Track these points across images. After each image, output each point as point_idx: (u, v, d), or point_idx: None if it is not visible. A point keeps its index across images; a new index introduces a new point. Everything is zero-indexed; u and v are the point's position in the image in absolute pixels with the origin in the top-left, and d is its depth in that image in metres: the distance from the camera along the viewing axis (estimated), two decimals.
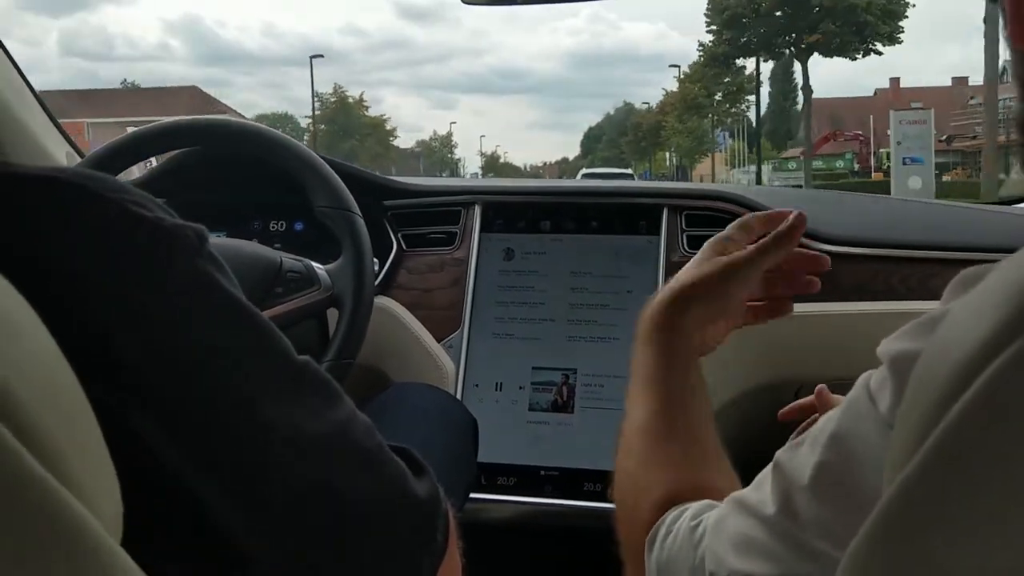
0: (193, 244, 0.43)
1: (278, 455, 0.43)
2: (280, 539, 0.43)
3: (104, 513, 0.33)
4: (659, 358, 0.70)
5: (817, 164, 31.61)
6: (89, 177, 0.42)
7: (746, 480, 0.70)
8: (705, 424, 0.66)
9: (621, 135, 65.76)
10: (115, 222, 0.41)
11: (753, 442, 0.81)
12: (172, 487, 0.40)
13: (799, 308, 1.21)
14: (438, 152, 74.27)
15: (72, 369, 0.35)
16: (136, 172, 1.35)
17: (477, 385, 1.28)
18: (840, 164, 33.84)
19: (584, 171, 32.79)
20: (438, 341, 1.29)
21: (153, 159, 1.28)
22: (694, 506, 0.58)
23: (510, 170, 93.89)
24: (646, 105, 63.93)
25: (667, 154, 53.32)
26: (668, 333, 0.72)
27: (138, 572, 0.34)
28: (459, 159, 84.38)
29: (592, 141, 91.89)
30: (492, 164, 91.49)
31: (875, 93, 47.37)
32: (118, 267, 0.40)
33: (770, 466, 0.49)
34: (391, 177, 1.43)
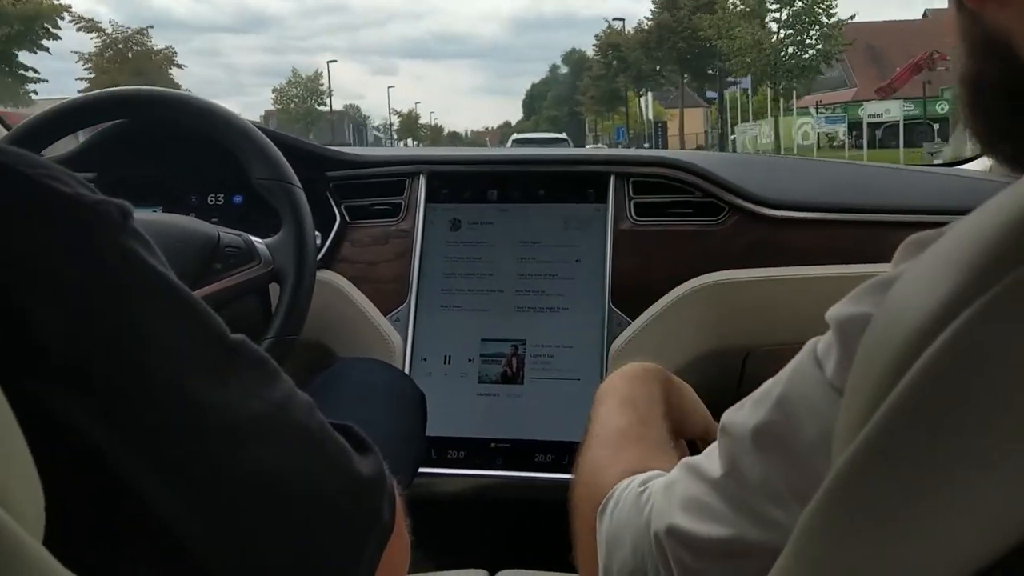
0: (116, 220, 0.41)
1: (214, 437, 0.41)
2: (219, 523, 0.41)
3: (24, 514, 0.32)
4: (642, 385, 0.74)
5: (906, 109, 20.78)
6: (3, 152, 0.40)
7: (693, 446, 0.71)
8: (669, 444, 0.69)
9: (581, 77, 52.65)
10: (32, 198, 0.39)
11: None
12: (104, 475, 0.39)
13: (748, 274, 1.22)
14: (298, 104, 46.19)
15: None
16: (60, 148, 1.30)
17: (425, 358, 1.27)
18: (941, 107, 22.55)
19: (515, 137, 27.50)
20: (384, 315, 1.27)
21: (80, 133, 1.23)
22: (642, 475, 0.58)
23: (433, 133, 79.96)
24: (619, 23, 43.32)
25: (640, 102, 38.08)
26: (652, 381, 0.76)
27: (63, 572, 0.32)
28: (390, 123, 69.93)
29: (536, 100, 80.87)
30: (409, 125, 73.09)
31: (925, 15, 35.22)
32: (36, 246, 0.38)
33: (718, 431, 0.49)
34: (333, 147, 1.40)
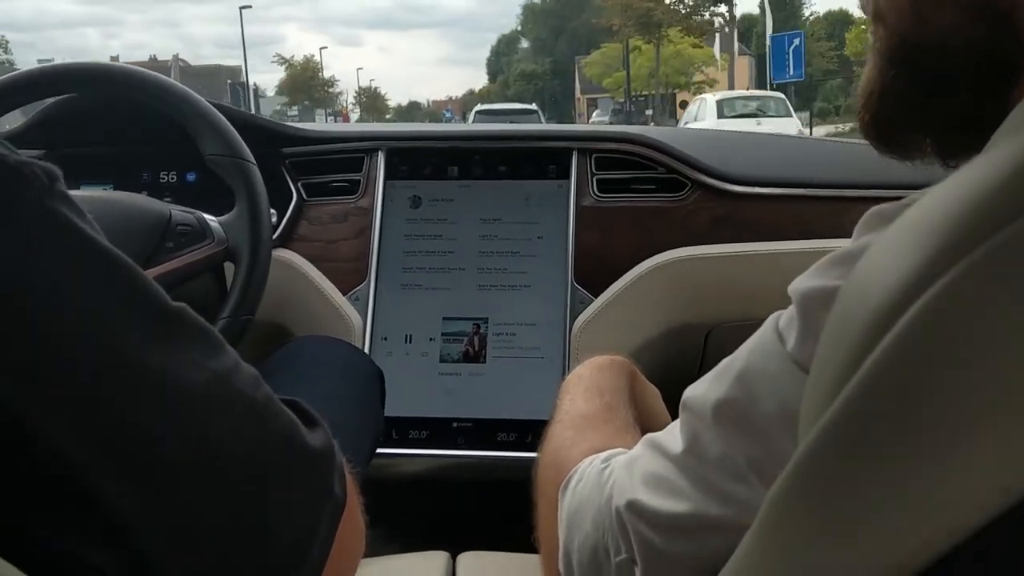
0: (41, 182, 0.39)
1: (153, 406, 0.39)
2: (160, 496, 0.39)
3: None
4: (609, 375, 0.74)
5: None
6: None
7: None
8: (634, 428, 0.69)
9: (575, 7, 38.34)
10: None
11: (665, 385, 0.80)
12: (38, 450, 0.37)
13: (710, 249, 1.22)
14: None
15: None
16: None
17: (385, 338, 1.25)
18: None
19: (479, 108, 22.88)
20: (344, 294, 1.25)
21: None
22: (605, 453, 0.58)
23: (370, 100, 60.72)
24: None
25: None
26: (619, 371, 0.76)
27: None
28: (246, 78, 43.23)
29: (503, 54, 62.60)
30: (302, 82, 49.08)
31: None
32: None
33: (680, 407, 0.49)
34: (288, 123, 1.37)
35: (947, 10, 0.40)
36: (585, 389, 0.71)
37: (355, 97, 62.50)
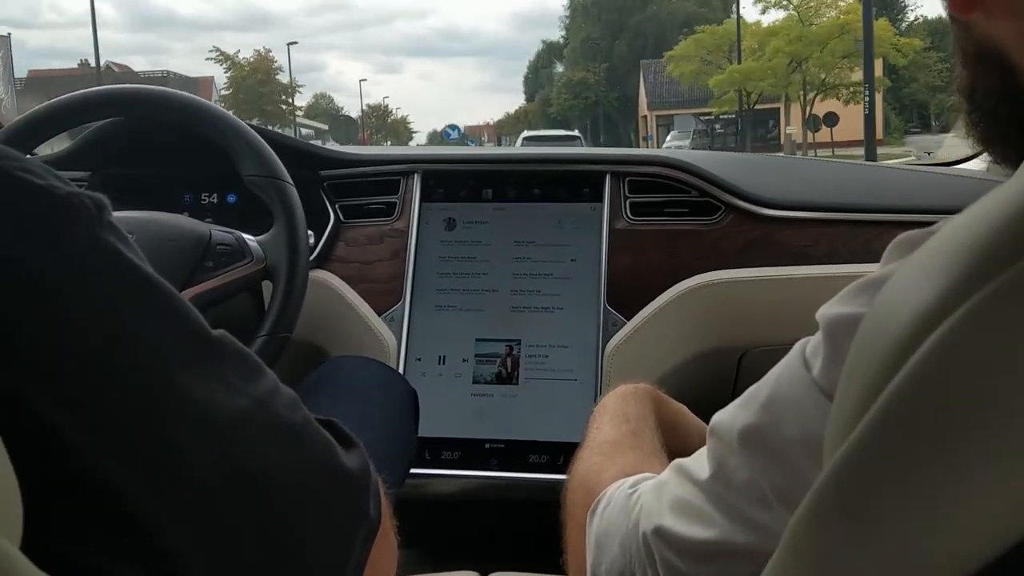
0: (91, 213, 0.40)
1: (193, 433, 0.40)
2: (201, 521, 0.40)
3: (2, 517, 0.31)
4: (633, 402, 0.75)
5: None
6: None
7: None
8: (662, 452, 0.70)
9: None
10: (1, 189, 0.38)
11: (698, 409, 0.80)
12: (82, 473, 0.38)
13: (744, 273, 1.22)
14: None
15: None
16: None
17: (419, 359, 1.26)
18: None
19: (525, 135, 23.78)
20: (379, 315, 1.26)
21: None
22: (633, 478, 0.58)
23: (379, 120, 53.08)
24: None
25: None
26: (643, 398, 0.77)
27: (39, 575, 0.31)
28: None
29: (543, 67, 52.40)
30: (251, 93, 36.25)
31: None
32: (5, 238, 0.37)
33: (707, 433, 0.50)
34: (326, 146, 1.39)
35: (969, 62, 0.43)
36: (611, 417, 0.72)
37: (360, 116, 53.33)
